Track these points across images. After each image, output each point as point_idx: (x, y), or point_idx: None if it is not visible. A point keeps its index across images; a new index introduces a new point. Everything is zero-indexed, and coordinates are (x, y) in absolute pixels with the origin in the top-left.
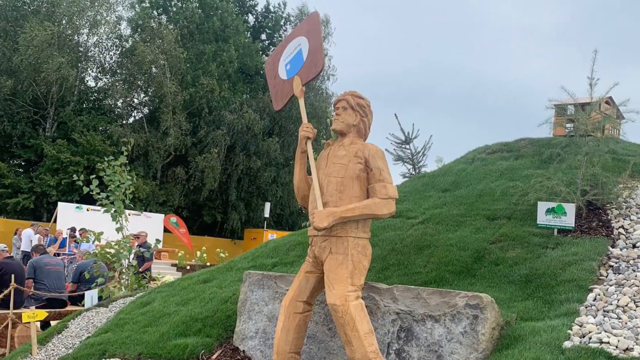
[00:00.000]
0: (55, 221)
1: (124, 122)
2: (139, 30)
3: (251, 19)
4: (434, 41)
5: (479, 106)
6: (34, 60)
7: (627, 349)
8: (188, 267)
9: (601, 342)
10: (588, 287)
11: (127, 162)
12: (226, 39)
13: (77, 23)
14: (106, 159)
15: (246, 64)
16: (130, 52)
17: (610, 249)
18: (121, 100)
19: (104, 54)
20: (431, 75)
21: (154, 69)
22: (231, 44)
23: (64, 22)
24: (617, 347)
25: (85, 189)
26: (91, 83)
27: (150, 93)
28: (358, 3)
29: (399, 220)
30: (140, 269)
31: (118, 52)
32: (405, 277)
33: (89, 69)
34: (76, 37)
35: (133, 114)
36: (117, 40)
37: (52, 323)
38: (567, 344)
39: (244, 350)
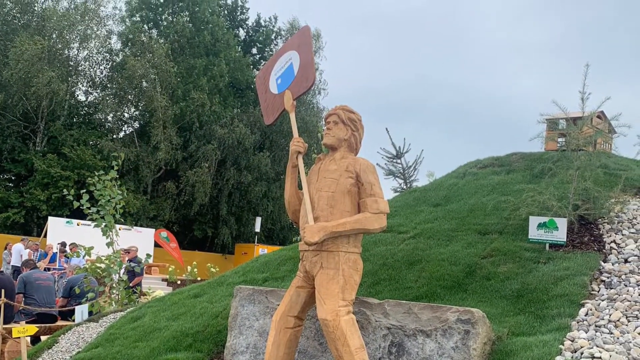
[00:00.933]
0: (45, 236)
1: (115, 136)
2: (129, 44)
3: (242, 33)
4: (425, 56)
5: (471, 120)
6: (24, 74)
7: None
8: (179, 282)
9: (593, 357)
10: (580, 302)
11: (117, 176)
12: (217, 53)
13: (68, 37)
14: (96, 173)
15: (237, 78)
16: (120, 67)
17: (602, 263)
18: (111, 115)
19: (94, 68)
20: (423, 89)
21: (144, 83)
22: (222, 58)
23: (54, 36)
24: None
25: (76, 204)
26: (81, 97)
27: (140, 107)
28: (349, 18)
29: (390, 234)
30: (131, 284)
31: (108, 67)
32: (397, 292)
33: (79, 83)
34: (66, 51)
35: (123, 129)
36: (107, 54)
37: (43, 338)
38: (558, 359)
39: None
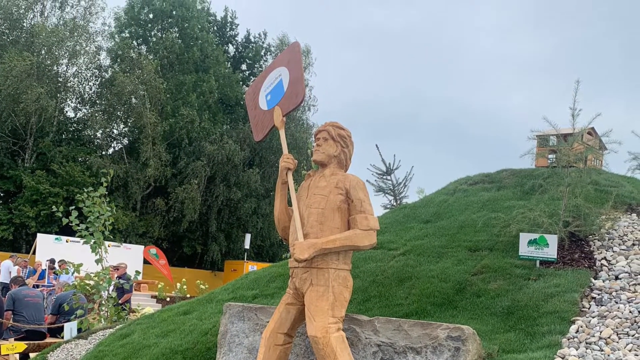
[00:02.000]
0: (34, 252)
1: (104, 152)
2: (118, 60)
3: (231, 49)
4: (415, 71)
5: (461, 136)
6: (13, 90)
7: None
8: (168, 299)
9: None
10: (570, 319)
11: (106, 193)
12: (206, 69)
13: (57, 53)
14: (85, 190)
15: (226, 94)
16: (109, 83)
17: (593, 280)
18: (100, 131)
19: (83, 85)
20: (413, 105)
21: (133, 100)
22: (211, 75)
23: (43, 52)
24: None
25: (65, 220)
26: (70, 114)
27: (129, 124)
28: (339, 33)
29: (380, 251)
30: (120, 301)
31: (97, 83)
32: (387, 308)
33: (68, 100)
34: (55, 68)
35: (113, 145)
36: (96, 70)
37: (32, 355)
38: None
39: None
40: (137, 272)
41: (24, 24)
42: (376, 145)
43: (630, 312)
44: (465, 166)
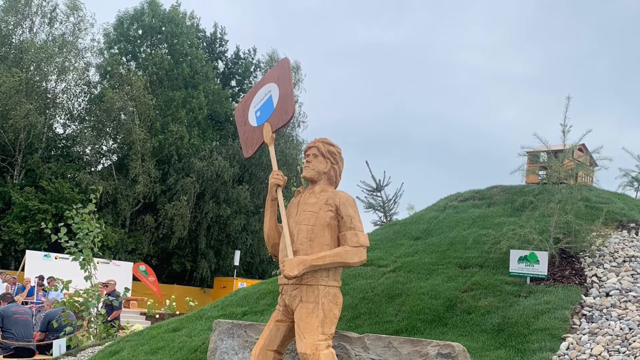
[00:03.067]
0: (23, 269)
1: (93, 169)
2: (107, 76)
3: (221, 65)
4: (405, 87)
5: (451, 152)
6: (2, 106)
7: None
8: (157, 316)
9: None
10: (561, 336)
11: (95, 209)
12: (195, 85)
13: (45, 69)
14: (74, 206)
15: (216, 110)
16: (98, 99)
17: (584, 297)
18: (89, 147)
19: (72, 101)
20: (403, 121)
21: (122, 116)
22: (201, 91)
23: (32, 68)
24: None
25: (54, 237)
26: (59, 130)
27: (119, 140)
28: (328, 50)
29: (370, 268)
30: (109, 318)
31: (86, 99)
32: (377, 325)
33: (57, 116)
34: (44, 84)
35: (102, 161)
36: (85, 86)
37: None
38: None
39: None
40: (127, 289)
41: (13, 40)
42: (366, 162)
43: (620, 329)
44: (456, 182)
